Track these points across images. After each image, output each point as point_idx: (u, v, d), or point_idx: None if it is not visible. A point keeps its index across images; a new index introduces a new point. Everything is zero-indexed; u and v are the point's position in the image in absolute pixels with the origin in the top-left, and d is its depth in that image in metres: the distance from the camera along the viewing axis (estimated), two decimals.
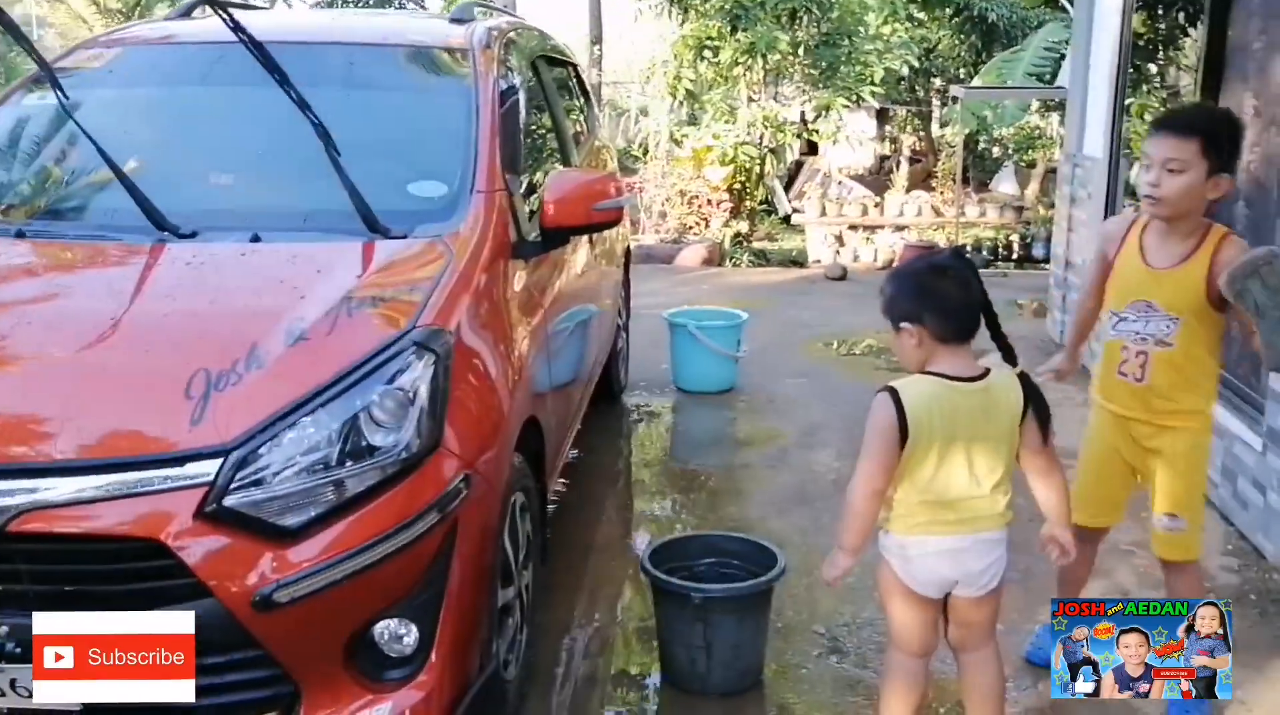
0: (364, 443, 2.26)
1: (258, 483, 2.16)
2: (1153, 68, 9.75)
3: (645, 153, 10.82)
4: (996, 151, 12.63)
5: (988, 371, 2.37)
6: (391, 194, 3.00)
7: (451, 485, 2.33)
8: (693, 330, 5.55)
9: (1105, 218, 6.06)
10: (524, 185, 3.37)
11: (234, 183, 3.15)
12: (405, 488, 2.27)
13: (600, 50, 13.88)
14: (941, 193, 11.14)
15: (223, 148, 3.25)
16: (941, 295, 2.36)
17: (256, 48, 2.79)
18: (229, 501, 2.14)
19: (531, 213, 3.25)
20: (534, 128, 3.96)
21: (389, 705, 2.26)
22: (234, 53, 2.89)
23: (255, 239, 2.79)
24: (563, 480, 4.46)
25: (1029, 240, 9.92)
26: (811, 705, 2.93)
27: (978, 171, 12.25)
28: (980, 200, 11.12)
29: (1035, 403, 2.38)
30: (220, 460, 2.15)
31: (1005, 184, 11.81)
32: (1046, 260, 7.57)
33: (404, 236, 2.83)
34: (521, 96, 3.64)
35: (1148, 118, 9.33)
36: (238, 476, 2.15)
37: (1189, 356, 2.69)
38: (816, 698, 2.96)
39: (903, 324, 2.38)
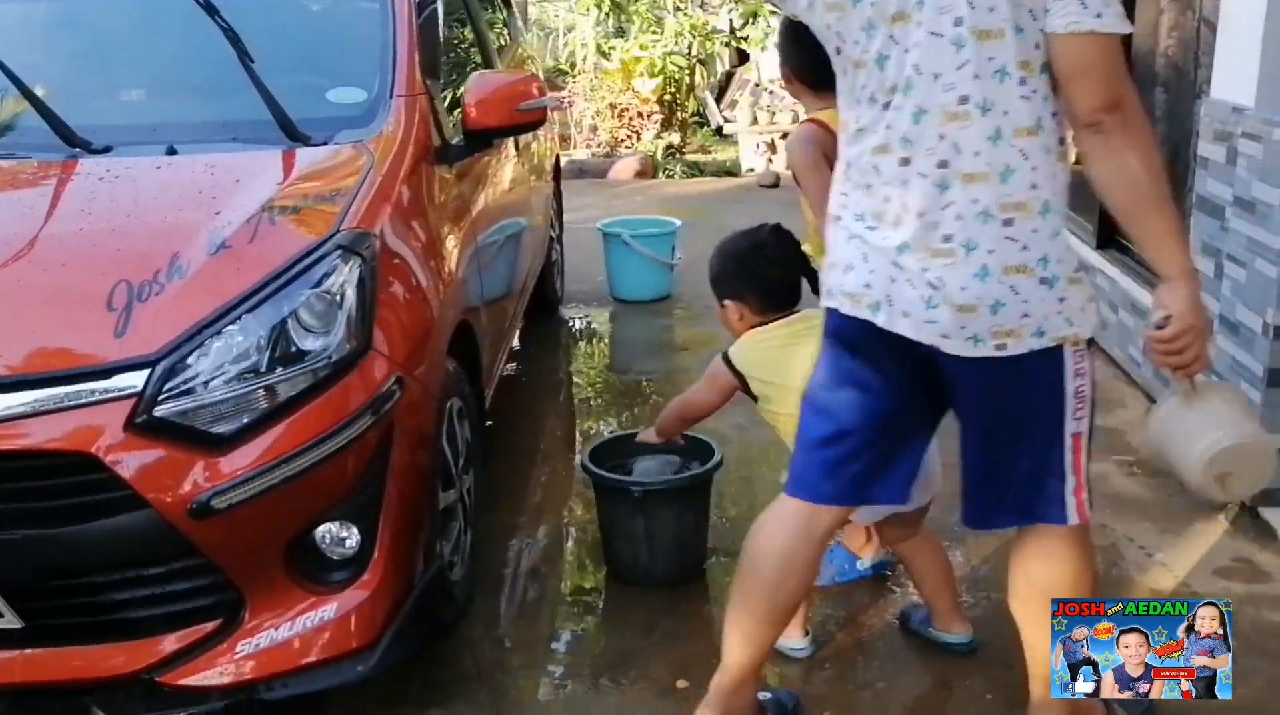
0: (293, 348, 2.25)
1: (187, 392, 2.15)
2: None
3: (573, 67, 10.67)
4: None
5: None
6: (310, 101, 2.96)
7: (384, 387, 2.33)
8: (627, 239, 5.55)
9: None
10: (445, 92, 3.33)
11: (147, 95, 3.08)
12: (338, 391, 2.27)
13: None
14: None
15: (134, 59, 3.18)
16: (762, 276, 2.61)
17: None
18: (159, 411, 2.13)
19: (454, 119, 3.21)
20: (453, 35, 3.90)
21: (334, 605, 2.28)
22: None
23: (171, 152, 2.74)
24: (503, 393, 4.47)
25: None
26: None
27: None
28: None
29: None
30: (148, 371, 2.13)
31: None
32: None
33: (325, 143, 2.80)
34: (440, 3, 3.57)
35: None
36: (166, 387, 2.14)
37: None
38: None
39: (726, 302, 2.64)
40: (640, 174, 9.43)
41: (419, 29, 3.18)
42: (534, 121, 3.23)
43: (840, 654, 2.71)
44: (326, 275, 2.33)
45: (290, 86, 2.94)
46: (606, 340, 5.39)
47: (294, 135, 2.78)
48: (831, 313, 2.04)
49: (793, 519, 2.14)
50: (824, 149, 2.68)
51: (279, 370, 2.22)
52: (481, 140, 3.22)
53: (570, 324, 5.54)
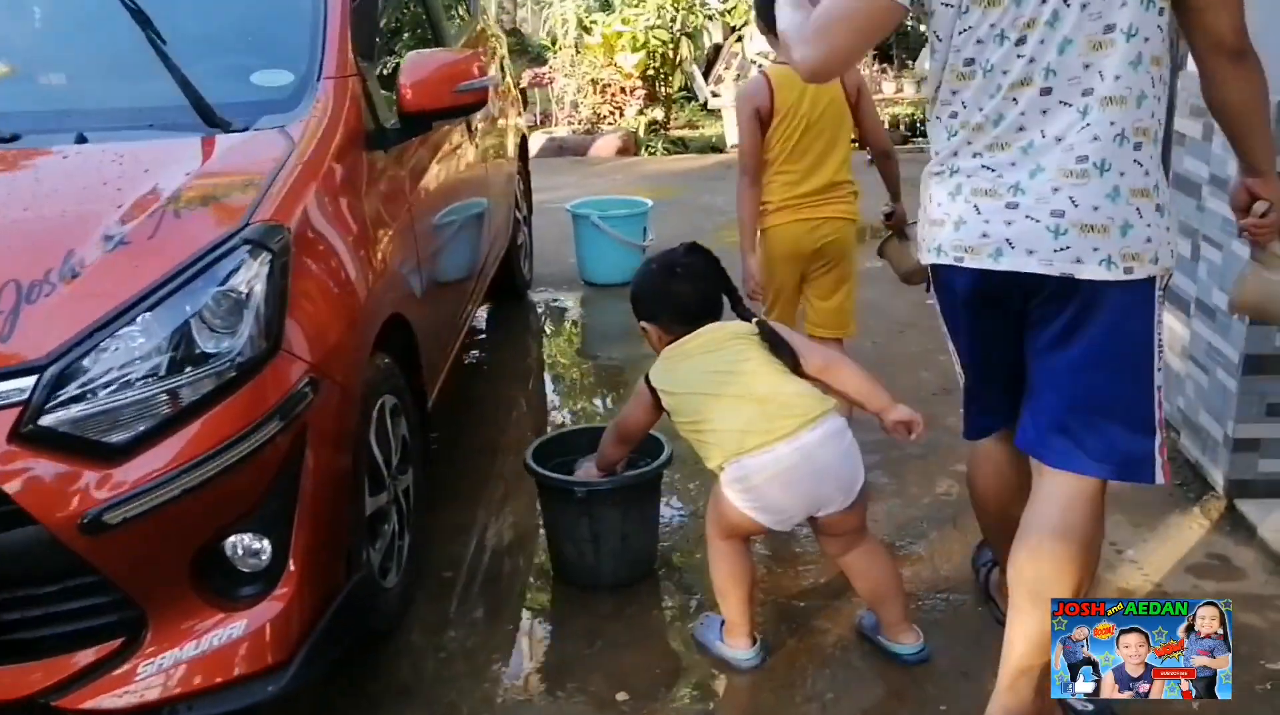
0: (197, 349, 2.11)
1: (78, 399, 2.02)
2: None
3: (554, 42, 10.47)
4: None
5: None
6: (233, 85, 2.80)
7: (295, 389, 2.19)
8: (595, 221, 5.40)
9: None
10: (384, 72, 3.18)
11: (60, 80, 2.93)
12: (244, 395, 2.12)
13: None
14: (861, 71, 10.93)
15: (48, 42, 3.02)
16: (674, 296, 2.56)
17: None
18: (46, 421, 1.99)
19: (391, 100, 3.05)
20: (396, 11, 3.74)
21: (244, 622, 2.15)
22: None
23: (81, 140, 2.59)
24: (465, 382, 4.34)
25: None
26: (703, 589, 2.87)
27: (901, 49, 12.01)
28: (897, 77, 10.95)
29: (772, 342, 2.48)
30: (34, 377, 2.00)
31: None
32: None
33: (245, 129, 2.65)
34: None
35: None
36: (55, 394, 2.01)
37: None
38: (707, 582, 2.91)
39: (642, 323, 2.62)
40: (622, 151, 9.27)
41: (354, 6, 3.02)
42: (474, 103, 3.06)
43: (790, 663, 2.58)
44: (233, 272, 2.18)
45: (214, 69, 2.80)
46: (575, 325, 5.24)
47: (213, 121, 2.63)
48: (939, 268, 2.13)
49: (994, 454, 2.35)
50: (759, 106, 3.19)
51: (180, 374, 2.08)
52: (419, 123, 3.06)
53: (538, 309, 5.40)
